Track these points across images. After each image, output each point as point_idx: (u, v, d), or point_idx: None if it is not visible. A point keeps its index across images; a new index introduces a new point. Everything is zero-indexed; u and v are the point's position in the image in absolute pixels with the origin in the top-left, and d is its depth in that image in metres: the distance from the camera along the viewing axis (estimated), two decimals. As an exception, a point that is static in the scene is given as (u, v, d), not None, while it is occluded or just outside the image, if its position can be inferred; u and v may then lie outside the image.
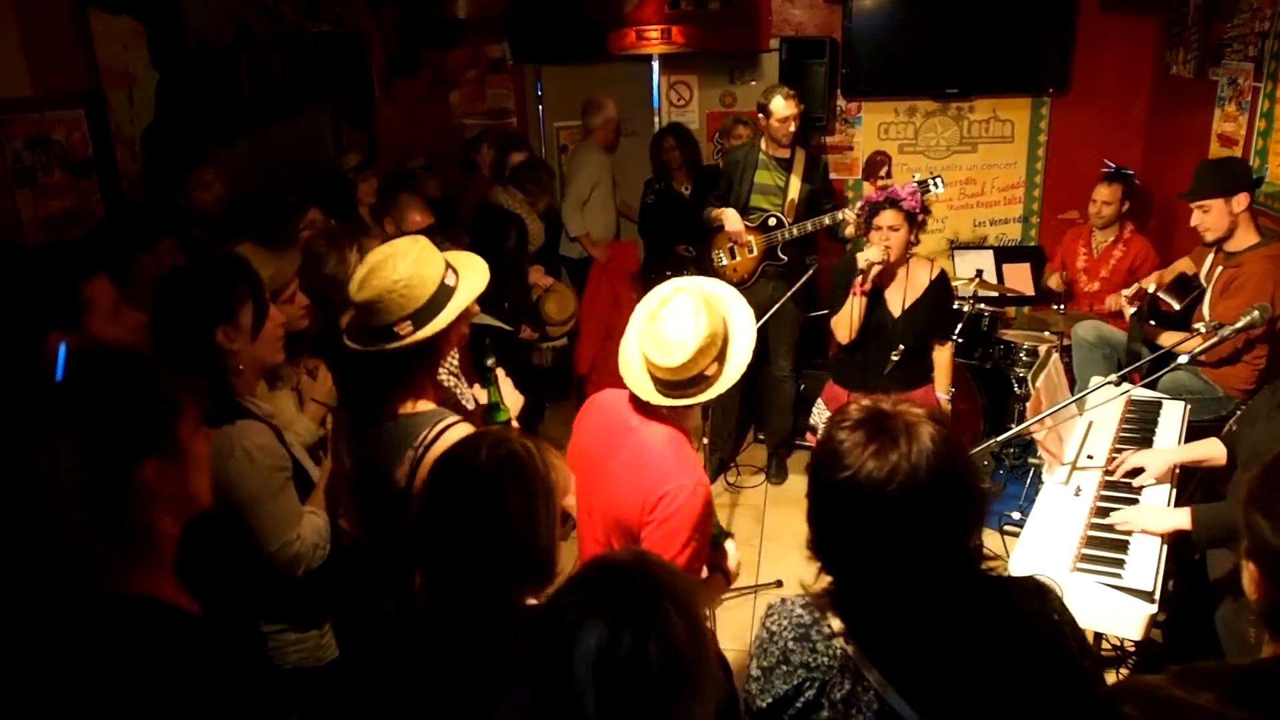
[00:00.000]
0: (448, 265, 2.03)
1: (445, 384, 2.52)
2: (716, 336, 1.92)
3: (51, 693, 1.16)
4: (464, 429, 1.97)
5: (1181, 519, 2.48)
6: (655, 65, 6.06)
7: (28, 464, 1.18)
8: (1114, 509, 2.70)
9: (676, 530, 1.89)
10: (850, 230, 4.54)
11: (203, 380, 1.44)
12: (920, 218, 3.53)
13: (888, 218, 3.48)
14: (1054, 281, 5.12)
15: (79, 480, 1.20)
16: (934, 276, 3.58)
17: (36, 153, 3.11)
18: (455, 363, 2.60)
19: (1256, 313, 2.92)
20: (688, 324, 1.88)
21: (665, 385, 1.96)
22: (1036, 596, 1.35)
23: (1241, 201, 3.48)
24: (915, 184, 3.65)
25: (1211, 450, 2.74)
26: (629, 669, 1.09)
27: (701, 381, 1.93)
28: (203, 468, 1.38)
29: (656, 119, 6.16)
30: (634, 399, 2.04)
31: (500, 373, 2.33)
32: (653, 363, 1.93)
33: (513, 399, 2.36)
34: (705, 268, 4.92)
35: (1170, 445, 3.11)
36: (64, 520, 1.20)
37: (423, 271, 1.96)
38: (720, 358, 1.95)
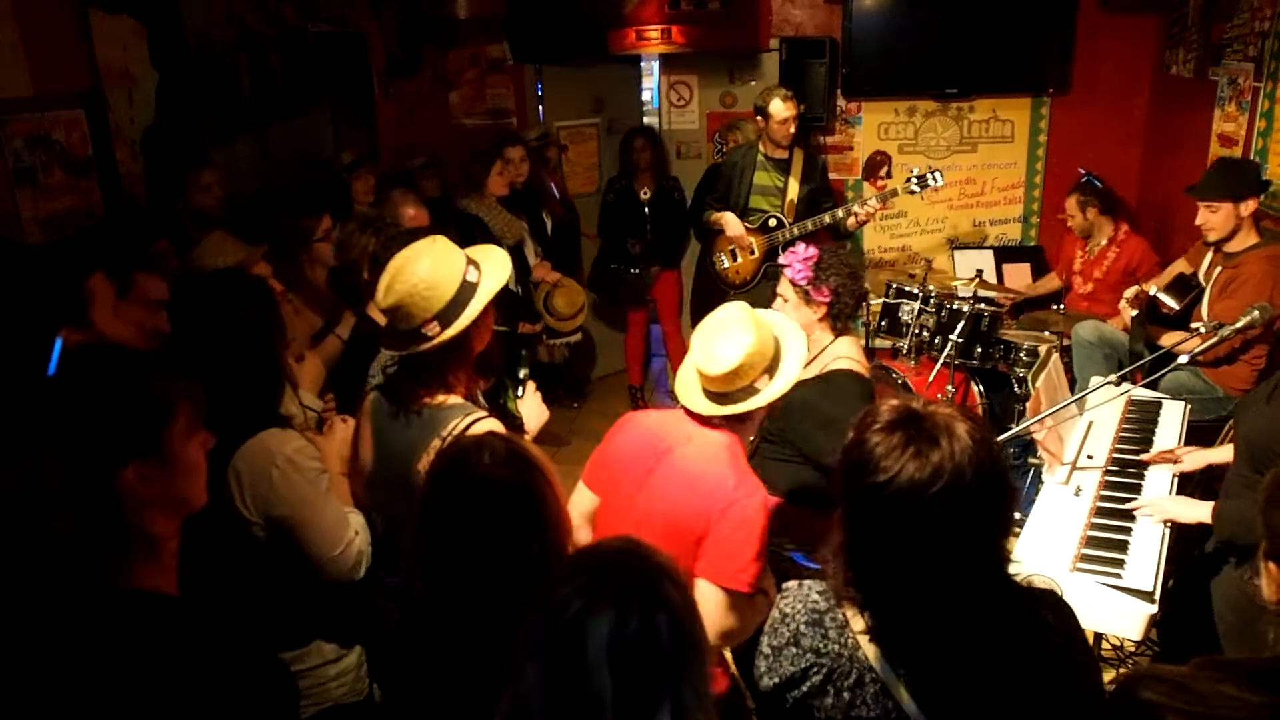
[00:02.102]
0: (468, 261, 2.05)
1: None
2: (765, 350, 2.01)
3: (54, 689, 1.16)
4: (492, 423, 1.98)
5: (1204, 513, 2.49)
6: (655, 66, 6.07)
7: (19, 469, 1.18)
8: (1114, 508, 2.71)
9: (747, 540, 1.89)
10: (852, 223, 4.54)
11: (199, 384, 1.42)
12: (814, 293, 2.77)
13: (780, 283, 2.88)
14: (1052, 283, 5.17)
15: (67, 483, 1.19)
16: (822, 371, 2.75)
17: (36, 153, 3.11)
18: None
19: (1256, 313, 2.92)
20: (735, 337, 1.98)
21: (713, 396, 2.03)
22: (1054, 612, 1.34)
23: (1249, 206, 3.50)
24: (810, 256, 2.83)
25: None
26: (642, 648, 1.11)
27: (751, 393, 2.00)
28: (195, 472, 1.37)
29: (659, 119, 6.17)
30: (689, 413, 2.08)
31: (531, 385, 2.36)
32: (702, 372, 2.01)
33: (537, 413, 2.34)
34: (706, 268, 4.93)
35: (1170, 445, 3.11)
36: (56, 524, 1.19)
37: (442, 271, 1.98)
38: (770, 371, 2.02)
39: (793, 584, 1.43)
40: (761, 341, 1.99)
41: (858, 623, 1.33)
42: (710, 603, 1.86)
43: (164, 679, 1.18)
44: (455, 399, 2.05)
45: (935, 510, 1.21)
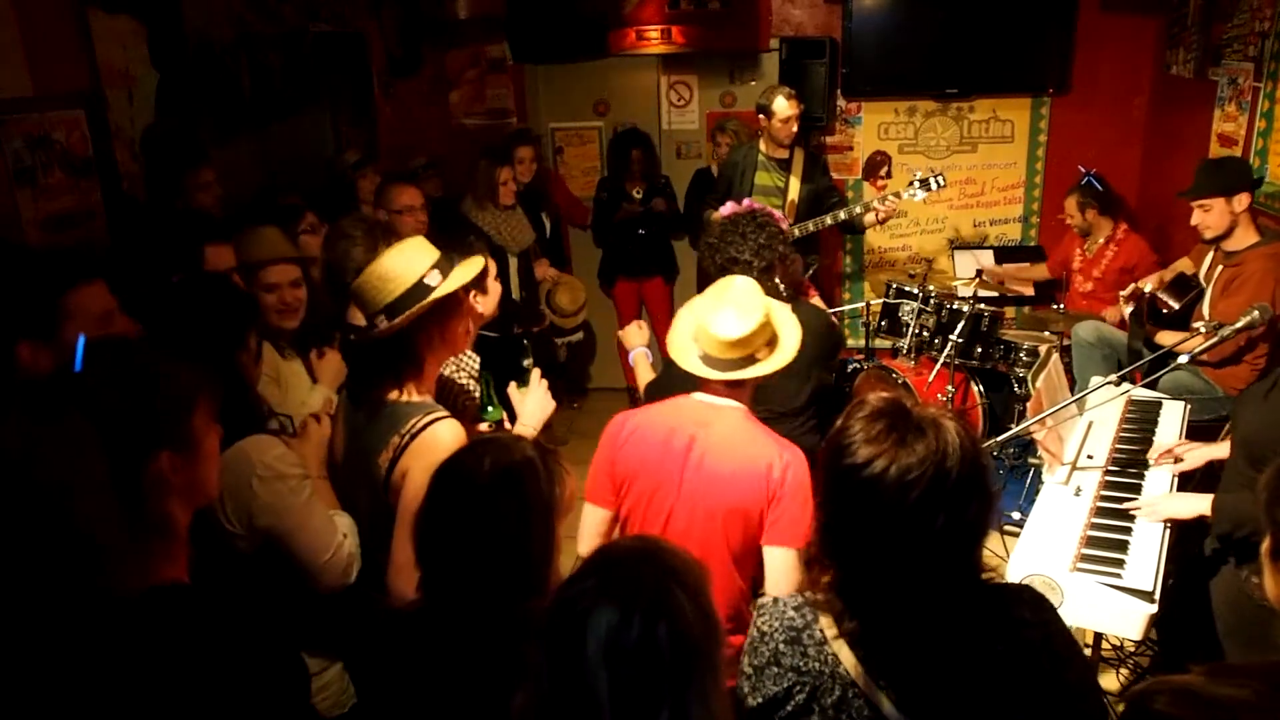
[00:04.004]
0: (435, 266, 2.04)
1: (466, 387, 2.54)
2: (770, 323, 2.10)
3: (89, 683, 1.18)
4: (452, 425, 1.99)
5: (1203, 505, 2.49)
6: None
7: (53, 458, 1.20)
8: (1114, 508, 2.71)
9: (807, 500, 2.00)
10: (870, 219, 4.52)
11: (216, 375, 1.45)
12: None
13: None
14: (1040, 271, 5.26)
15: (101, 472, 1.21)
16: None
17: (36, 153, 3.10)
18: (475, 366, 2.61)
19: (1256, 313, 2.92)
20: (752, 301, 2.07)
21: (719, 362, 2.08)
22: (1031, 607, 1.34)
23: (1242, 201, 3.49)
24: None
25: None
26: (640, 652, 1.10)
27: (752, 362, 2.07)
28: (213, 460, 1.39)
29: (658, 119, 6.17)
30: (705, 389, 2.14)
31: (536, 374, 2.36)
32: (715, 336, 2.05)
33: (541, 405, 2.34)
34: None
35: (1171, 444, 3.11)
36: (88, 514, 1.22)
37: (399, 267, 1.99)
38: (771, 344, 2.10)
39: (767, 600, 1.42)
40: (768, 314, 2.08)
41: (834, 630, 1.32)
42: (786, 566, 2.02)
43: (193, 670, 1.20)
44: (419, 397, 2.05)
45: (909, 501, 1.21)
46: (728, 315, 2.05)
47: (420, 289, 2.00)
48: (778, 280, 2.86)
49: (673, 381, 2.69)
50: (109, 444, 1.23)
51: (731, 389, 2.11)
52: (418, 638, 1.54)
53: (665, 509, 2.08)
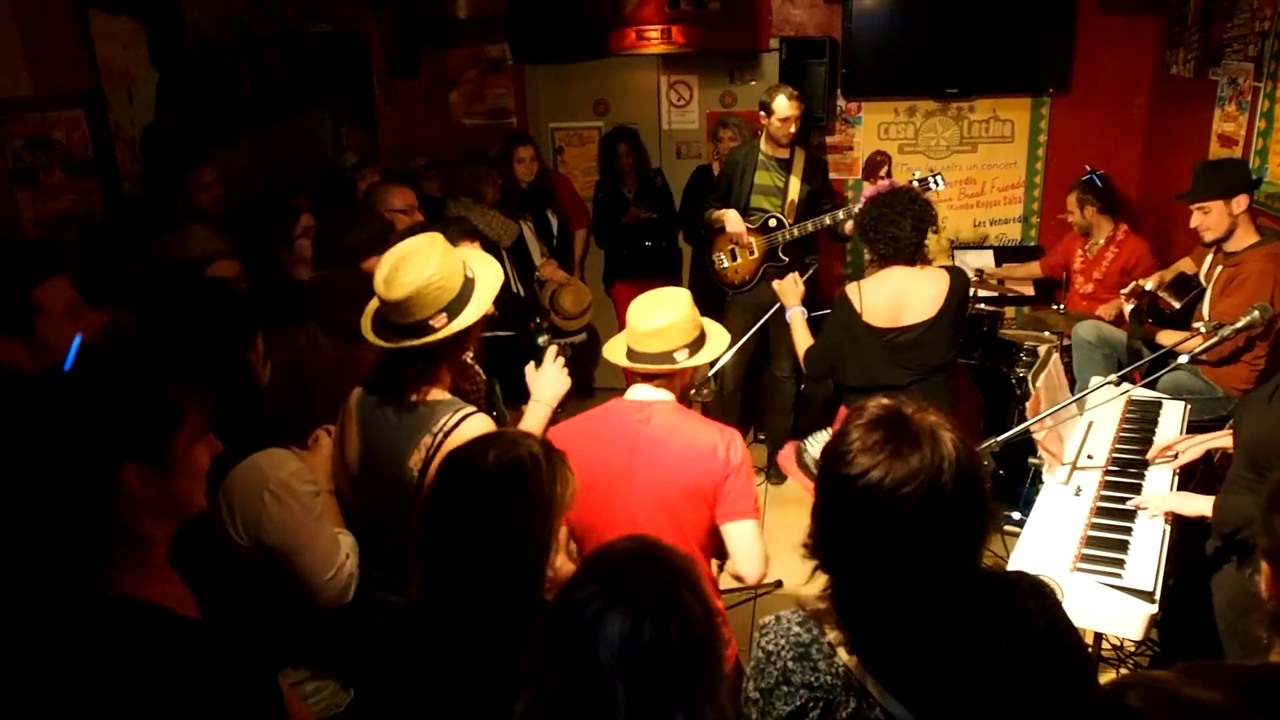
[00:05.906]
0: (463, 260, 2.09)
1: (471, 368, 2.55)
2: (695, 325, 2.25)
3: (32, 693, 1.16)
4: (483, 420, 2.00)
5: (1204, 506, 2.49)
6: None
7: (14, 463, 1.19)
8: (1115, 508, 2.71)
9: (750, 474, 2.19)
10: (850, 227, 4.54)
11: (211, 390, 1.42)
12: None
13: None
14: (1033, 270, 5.30)
15: (62, 473, 1.20)
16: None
17: (36, 153, 3.10)
18: (469, 355, 2.62)
19: (1256, 313, 2.92)
20: (677, 303, 2.23)
21: (640, 355, 2.23)
22: (1032, 596, 1.33)
23: (1241, 203, 3.49)
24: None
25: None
26: (654, 655, 1.11)
27: (670, 360, 2.21)
28: (196, 477, 1.36)
29: (658, 119, 6.17)
30: (629, 381, 2.29)
31: (553, 351, 2.39)
32: (635, 327, 2.21)
33: (555, 381, 2.37)
34: (703, 269, 4.93)
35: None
36: (51, 519, 1.20)
37: (453, 264, 2.02)
38: (692, 348, 2.23)
39: (769, 618, 1.40)
40: (694, 318, 2.25)
41: (840, 638, 1.31)
42: (748, 536, 2.16)
43: (144, 690, 1.17)
44: (444, 395, 2.05)
45: (902, 512, 1.20)
46: (651, 311, 2.21)
47: (470, 284, 2.04)
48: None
49: (856, 350, 2.95)
50: (77, 449, 1.21)
51: (656, 381, 2.24)
52: (415, 631, 1.54)
53: (626, 512, 2.12)
